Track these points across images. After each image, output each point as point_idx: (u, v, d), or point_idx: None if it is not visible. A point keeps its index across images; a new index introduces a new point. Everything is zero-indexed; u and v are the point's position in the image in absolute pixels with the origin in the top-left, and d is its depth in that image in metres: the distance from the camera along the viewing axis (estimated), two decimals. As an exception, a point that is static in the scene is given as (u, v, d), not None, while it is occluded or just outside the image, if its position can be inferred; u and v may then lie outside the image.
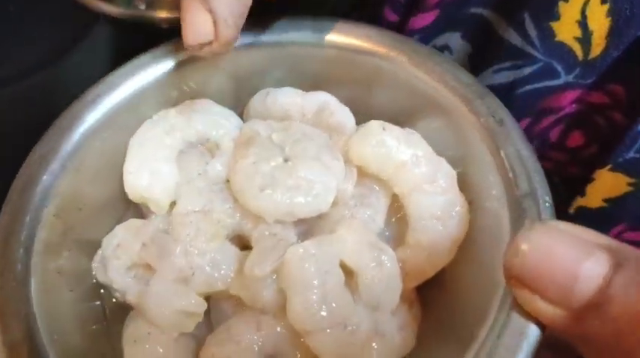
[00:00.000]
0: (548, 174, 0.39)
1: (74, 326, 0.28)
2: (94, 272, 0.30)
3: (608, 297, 0.19)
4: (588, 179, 0.35)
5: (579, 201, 0.36)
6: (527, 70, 0.36)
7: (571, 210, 0.36)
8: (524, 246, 0.21)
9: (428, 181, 0.28)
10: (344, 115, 0.32)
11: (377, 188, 0.30)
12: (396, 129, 0.30)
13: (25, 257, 0.27)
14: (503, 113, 0.28)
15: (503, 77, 0.37)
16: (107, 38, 0.53)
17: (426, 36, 0.40)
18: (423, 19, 0.39)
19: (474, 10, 0.38)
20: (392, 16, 0.40)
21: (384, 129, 0.29)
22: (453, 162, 0.30)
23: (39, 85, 0.48)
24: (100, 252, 0.30)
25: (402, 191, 0.29)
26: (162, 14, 0.57)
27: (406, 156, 0.29)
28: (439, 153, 0.30)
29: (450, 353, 0.25)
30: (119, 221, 0.32)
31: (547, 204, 0.25)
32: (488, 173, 0.28)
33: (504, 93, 0.37)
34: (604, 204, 0.35)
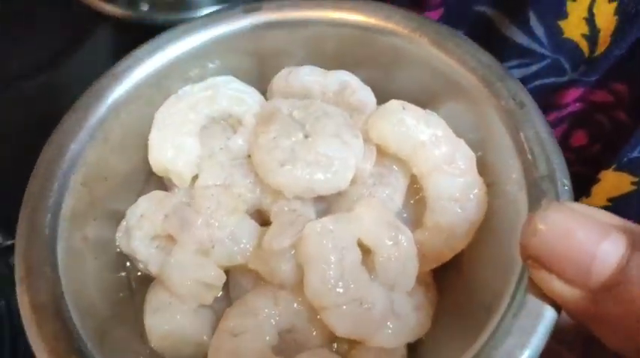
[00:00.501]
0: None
1: (98, 293, 0.28)
2: (117, 243, 0.31)
3: (626, 277, 0.20)
4: (593, 178, 0.35)
5: (584, 202, 0.36)
6: (534, 67, 0.36)
7: None
8: (541, 226, 0.21)
9: (447, 162, 0.28)
10: (365, 95, 0.32)
11: (396, 168, 0.30)
12: (415, 108, 0.30)
13: (52, 222, 0.27)
14: (524, 95, 0.28)
15: None
16: (108, 39, 0.53)
17: None
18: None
19: (477, 7, 0.38)
20: None
21: (403, 108, 0.29)
22: (473, 145, 0.30)
23: (41, 85, 0.49)
24: (124, 222, 0.31)
25: (421, 171, 0.29)
26: (164, 16, 0.58)
27: (425, 136, 0.29)
28: (459, 135, 0.30)
29: (465, 335, 0.25)
30: (142, 192, 0.33)
31: (565, 186, 0.25)
32: (507, 156, 0.28)
33: None
34: (608, 203, 0.35)
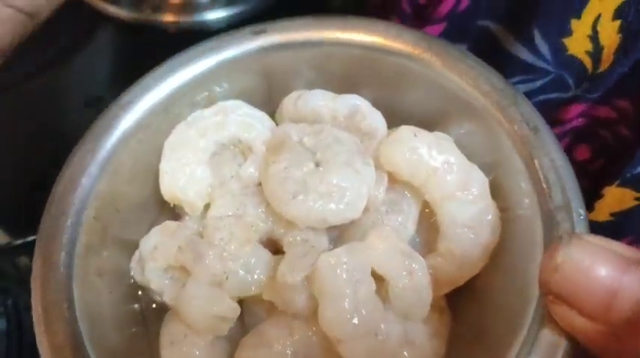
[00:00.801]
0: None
1: (114, 328, 0.29)
2: (131, 273, 0.31)
3: None
4: (596, 193, 0.35)
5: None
6: (539, 83, 0.36)
7: None
8: (561, 261, 0.21)
9: (460, 189, 0.28)
10: (376, 119, 0.32)
11: (408, 194, 0.30)
12: (427, 134, 0.30)
13: (67, 260, 0.28)
14: (538, 120, 0.28)
15: None
16: (112, 41, 0.53)
17: None
18: (430, 31, 0.39)
19: (481, 22, 0.38)
20: None
21: (415, 135, 0.29)
22: (485, 168, 0.30)
23: (44, 86, 0.49)
24: (137, 253, 0.31)
25: (434, 198, 0.29)
26: (169, 18, 0.57)
27: (438, 163, 0.29)
28: (470, 158, 0.30)
29: None
30: (154, 221, 0.33)
31: (581, 216, 0.25)
32: (520, 181, 0.28)
33: None
34: (611, 218, 0.35)
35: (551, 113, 0.37)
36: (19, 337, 0.36)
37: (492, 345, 0.25)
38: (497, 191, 0.29)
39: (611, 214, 0.35)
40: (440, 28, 0.39)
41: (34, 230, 0.35)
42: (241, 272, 0.29)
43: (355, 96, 0.33)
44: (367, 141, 0.31)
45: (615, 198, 0.34)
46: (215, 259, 0.29)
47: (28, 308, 0.35)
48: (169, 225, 0.31)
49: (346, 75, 0.34)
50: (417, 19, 0.41)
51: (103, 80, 0.43)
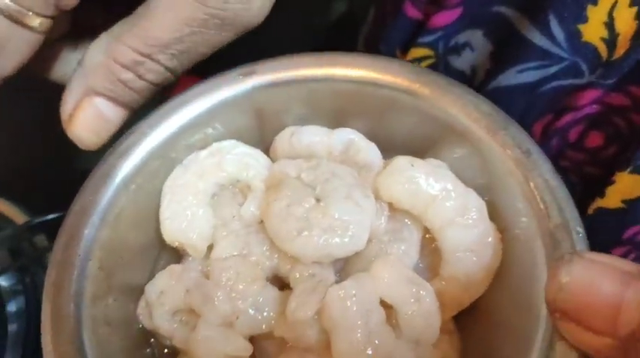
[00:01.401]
0: (566, 173, 0.40)
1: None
2: (140, 319, 0.31)
3: None
4: (607, 180, 0.36)
5: (598, 202, 0.36)
6: (553, 69, 0.37)
7: (590, 211, 0.37)
8: (565, 280, 0.22)
9: (459, 214, 0.29)
10: (371, 152, 0.32)
11: (408, 221, 0.31)
12: (423, 163, 0.30)
13: (76, 312, 0.28)
14: (529, 143, 0.29)
15: (529, 77, 0.38)
16: None
17: (447, 33, 0.40)
18: (445, 17, 0.40)
19: (496, 8, 0.38)
20: (413, 12, 0.41)
21: (412, 165, 0.30)
22: (480, 190, 0.31)
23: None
24: (143, 299, 0.31)
25: (434, 225, 0.29)
26: None
27: (436, 191, 0.29)
28: (465, 181, 0.31)
29: None
30: (156, 263, 0.33)
31: (580, 234, 0.26)
32: (516, 201, 0.29)
33: (529, 91, 0.37)
34: (622, 205, 0.36)
35: (564, 99, 0.37)
36: (37, 314, 0.36)
37: None
38: (494, 212, 0.30)
39: (623, 201, 0.35)
40: (455, 13, 0.39)
41: (52, 209, 0.35)
42: (251, 311, 0.29)
43: (349, 130, 0.33)
44: (364, 173, 0.32)
45: (627, 185, 0.35)
46: (224, 300, 0.29)
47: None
48: (174, 268, 0.31)
49: (337, 109, 0.35)
50: (431, 3, 0.41)
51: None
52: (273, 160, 0.35)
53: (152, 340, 0.31)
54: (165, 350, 0.31)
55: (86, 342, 0.27)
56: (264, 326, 0.29)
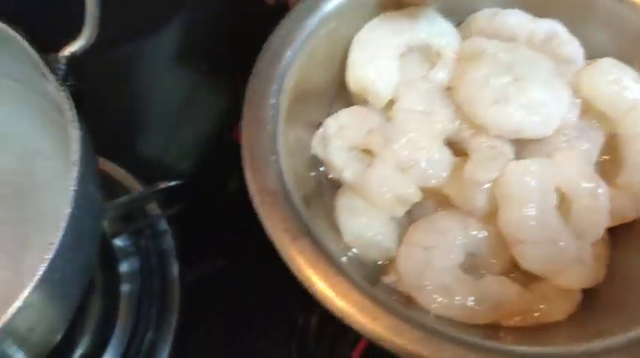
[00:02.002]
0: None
1: (297, 189, 0.30)
2: (313, 148, 0.33)
3: None
4: None
5: None
6: None
7: None
8: None
9: (657, 127, 0.29)
10: (574, 47, 0.32)
11: (597, 124, 0.31)
12: (630, 70, 0.30)
13: (273, 120, 0.29)
14: None
15: None
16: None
17: None
18: None
19: None
20: None
21: (620, 68, 0.30)
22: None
23: (139, 48, 0.48)
24: (320, 130, 0.33)
25: (627, 132, 0.30)
26: None
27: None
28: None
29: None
30: (330, 106, 0.35)
31: None
32: None
33: None
34: None
35: None
36: (150, 278, 0.38)
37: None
38: None
39: None
40: None
41: (163, 178, 0.37)
42: (425, 164, 0.30)
43: (554, 21, 0.33)
44: (562, 67, 0.32)
45: None
46: (404, 146, 0.30)
47: (158, 250, 0.38)
48: (359, 109, 0.33)
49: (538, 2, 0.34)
50: None
51: (194, 46, 0.44)
52: (462, 37, 0.35)
53: (321, 168, 0.33)
54: (330, 176, 0.33)
55: (279, 144, 0.29)
56: (433, 181, 0.30)
